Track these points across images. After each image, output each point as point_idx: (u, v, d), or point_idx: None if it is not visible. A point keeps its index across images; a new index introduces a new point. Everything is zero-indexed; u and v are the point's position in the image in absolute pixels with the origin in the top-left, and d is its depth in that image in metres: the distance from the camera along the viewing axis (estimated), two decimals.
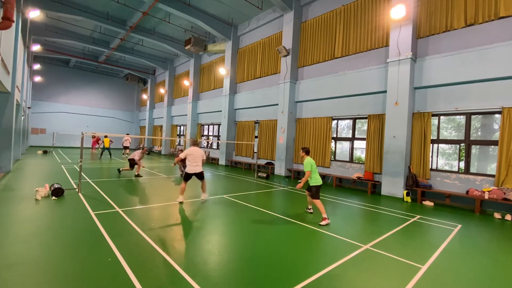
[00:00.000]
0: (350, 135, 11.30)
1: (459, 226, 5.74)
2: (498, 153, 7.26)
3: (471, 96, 7.90)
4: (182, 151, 18.66)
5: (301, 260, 3.59)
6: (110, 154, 18.25)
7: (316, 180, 5.68)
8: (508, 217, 6.58)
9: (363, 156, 11.12)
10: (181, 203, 6.39)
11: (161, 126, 26.65)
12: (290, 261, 3.53)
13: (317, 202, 5.55)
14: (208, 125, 20.26)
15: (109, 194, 6.93)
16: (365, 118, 10.45)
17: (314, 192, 5.66)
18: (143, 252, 3.55)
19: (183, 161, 12.82)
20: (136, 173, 10.35)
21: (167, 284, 2.82)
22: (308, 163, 5.66)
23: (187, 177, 6.51)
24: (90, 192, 6.97)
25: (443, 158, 9.16)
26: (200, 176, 6.64)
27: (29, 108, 21.26)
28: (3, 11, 5.70)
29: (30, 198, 6.06)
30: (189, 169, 6.45)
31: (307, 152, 5.96)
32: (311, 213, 6.09)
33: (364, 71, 10.25)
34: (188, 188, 8.80)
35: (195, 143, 6.71)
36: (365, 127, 10.51)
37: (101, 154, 17.58)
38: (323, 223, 5.23)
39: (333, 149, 11.74)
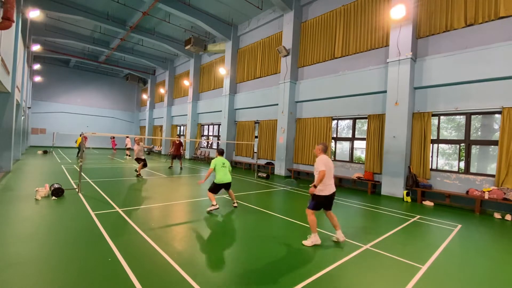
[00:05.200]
0: (350, 135, 11.29)
1: (459, 226, 5.74)
2: (498, 153, 7.26)
3: (471, 96, 7.90)
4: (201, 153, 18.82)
5: (301, 260, 3.58)
6: (78, 153, 16.91)
7: (217, 179, 6.04)
8: (508, 217, 6.58)
9: (363, 156, 11.12)
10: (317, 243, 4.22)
11: (161, 126, 26.66)
12: (291, 261, 3.53)
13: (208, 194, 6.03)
14: (208, 125, 20.26)
15: (109, 194, 6.93)
16: (365, 118, 10.45)
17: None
18: (143, 252, 3.55)
19: (176, 151, 13.07)
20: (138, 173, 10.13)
21: (167, 284, 2.81)
22: (213, 162, 6.12)
23: (319, 204, 4.27)
24: (90, 192, 6.96)
25: (443, 158, 9.16)
26: (331, 202, 4.41)
27: (29, 108, 21.26)
28: (3, 11, 5.69)
29: (30, 198, 6.06)
30: (325, 189, 4.23)
31: (220, 153, 6.38)
32: (235, 207, 6.34)
33: (364, 71, 10.24)
34: (188, 188, 8.80)
35: (326, 150, 4.50)
36: (365, 127, 10.51)
37: (78, 153, 16.74)
38: (209, 209, 5.81)
39: (333, 149, 11.74)
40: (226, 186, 6.13)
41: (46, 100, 26.34)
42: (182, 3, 14.23)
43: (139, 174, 10.07)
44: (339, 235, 4.31)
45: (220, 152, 6.39)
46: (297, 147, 12.89)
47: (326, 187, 4.25)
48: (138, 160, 10.34)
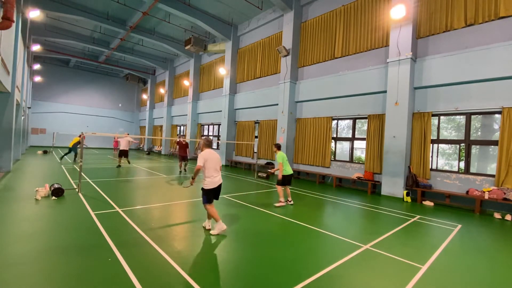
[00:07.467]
0: (350, 135, 11.29)
1: (459, 226, 5.74)
2: (498, 153, 7.26)
3: (471, 96, 7.90)
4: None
5: (301, 260, 3.58)
6: (75, 156, 14.46)
7: (285, 171, 6.84)
8: (508, 217, 6.58)
9: (363, 156, 11.12)
10: None
11: (161, 126, 26.66)
12: (290, 261, 3.53)
13: (277, 188, 6.82)
14: (208, 125, 20.26)
15: (109, 194, 6.93)
16: (365, 118, 10.45)
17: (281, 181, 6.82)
18: (143, 252, 3.55)
19: (183, 153, 12.31)
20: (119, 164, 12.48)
21: (167, 284, 2.82)
22: (280, 156, 6.79)
23: (209, 197, 4.52)
24: (90, 192, 6.96)
25: (443, 158, 9.16)
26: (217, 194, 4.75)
27: (29, 108, 21.25)
28: (3, 11, 5.69)
29: (30, 198, 6.06)
30: (210, 183, 4.46)
31: (278, 148, 7.06)
32: (291, 204, 6.88)
33: (364, 71, 10.24)
34: (188, 188, 8.79)
35: (209, 145, 4.64)
36: (365, 127, 10.51)
37: (65, 154, 14.76)
38: (277, 204, 6.58)
39: (333, 149, 11.74)
40: (290, 178, 6.93)
41: (46, 100, 26.33)
42: (182, 3, 14.23)
43: (120, 165, 12.50)
44: (212, 225, 4.55)
45: (279, 147, 7.04)
46: (297, 147, 12.88)
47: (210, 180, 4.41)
48: (124, 152, 12.44)
